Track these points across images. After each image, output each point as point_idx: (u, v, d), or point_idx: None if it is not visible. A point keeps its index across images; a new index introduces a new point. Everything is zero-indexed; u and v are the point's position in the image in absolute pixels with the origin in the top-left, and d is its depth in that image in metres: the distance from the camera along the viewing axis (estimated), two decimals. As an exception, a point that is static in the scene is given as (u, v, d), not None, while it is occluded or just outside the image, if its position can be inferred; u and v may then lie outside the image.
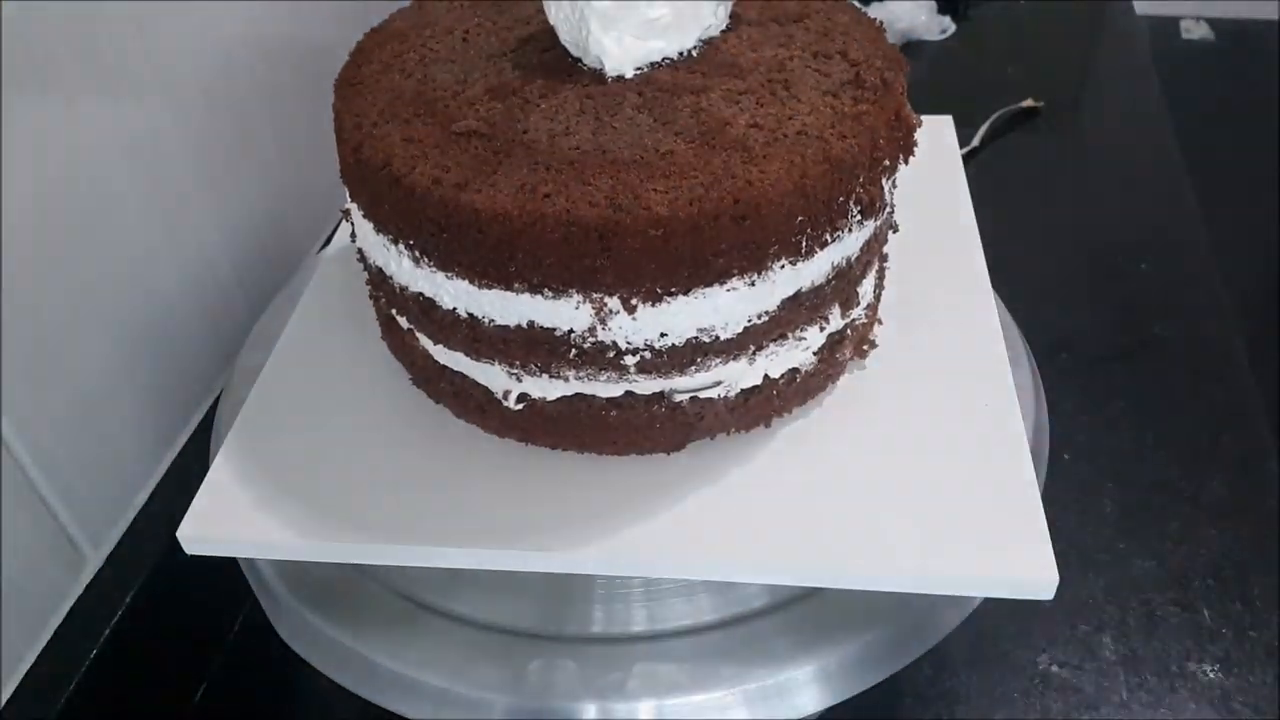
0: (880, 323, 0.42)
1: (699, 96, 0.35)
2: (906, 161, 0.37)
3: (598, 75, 0.36)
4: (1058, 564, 0.33)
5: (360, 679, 0.36)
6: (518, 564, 0.35)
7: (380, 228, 0.35)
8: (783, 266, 0.33)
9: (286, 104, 0.60)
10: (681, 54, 0.37)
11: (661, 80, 0.35)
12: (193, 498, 0.37)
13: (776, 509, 0.35)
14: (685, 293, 0.32)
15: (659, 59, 0.36)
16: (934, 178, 0.49)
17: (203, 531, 0.36)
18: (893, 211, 0.39)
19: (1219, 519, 0.57)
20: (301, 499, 0.37)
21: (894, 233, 0.40)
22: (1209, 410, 0.64)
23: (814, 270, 0.34)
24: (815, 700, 0.35)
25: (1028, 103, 0.92)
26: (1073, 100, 0.98)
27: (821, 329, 0.37)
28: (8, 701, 0.42)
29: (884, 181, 0.35)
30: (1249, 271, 0.94)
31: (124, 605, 0.46)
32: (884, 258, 0.42)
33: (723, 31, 0.38)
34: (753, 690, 0.35)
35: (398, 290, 0.36)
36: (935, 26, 1.05)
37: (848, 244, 0.35)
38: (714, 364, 0.35)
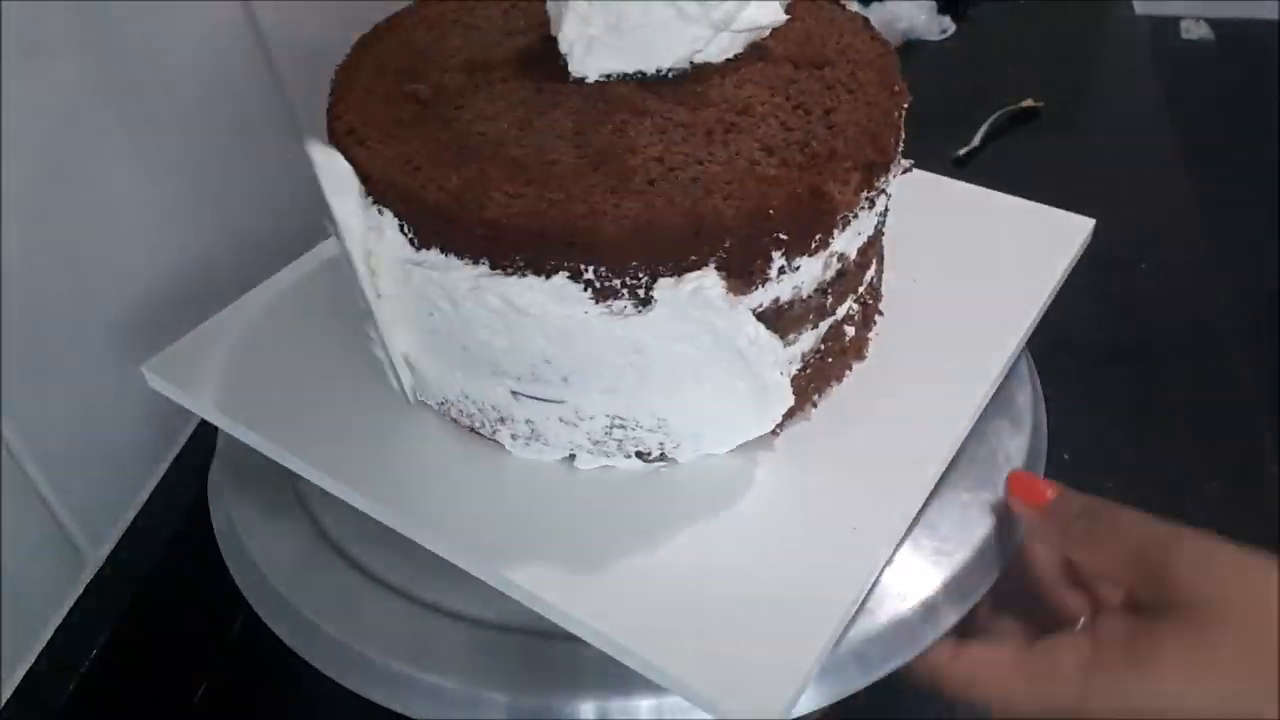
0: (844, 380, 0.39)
1: (633, 118, 0.33)
2: (812, 240, 0.32)
3: (563, 72, 0.35)
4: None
5: (360, 678, 0.36)
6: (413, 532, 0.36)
7: None
8: (625, 311, 0.31)
9: (286, 104, 0.60)
10: (659, 71, 0.36)
11: (615, 93, 0.35)
12: (193, 498, 0.37)
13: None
14: None
15: (630, 70, 0.35)
16: (1027, 269, 0.46)
17: (170, 370, 0.39)
18: (805, 289, 0.34)
19: (1219, 519, 0.57)
20: (269, 393, 0.40)
21: (831, 316, 0.36)
22: (1209, 410, 0.64)
23: (651, 324, 0.31)
24: (815, 700, 0.35)
25: (1028, 103, 0.92)
26: (1073, 100, 0.99)
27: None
28: (8, 701, 0.42)
29: (774, 255, 0.32)
30: (1249, 271, 0.94)
31: (124, 605, 0.46)
32: (846, 319, 0.37)
33: (729, 60, 0.36)
34: (752, 690, 0.35)
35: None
36: (935, 26, 1.05)
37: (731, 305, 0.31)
38: None
